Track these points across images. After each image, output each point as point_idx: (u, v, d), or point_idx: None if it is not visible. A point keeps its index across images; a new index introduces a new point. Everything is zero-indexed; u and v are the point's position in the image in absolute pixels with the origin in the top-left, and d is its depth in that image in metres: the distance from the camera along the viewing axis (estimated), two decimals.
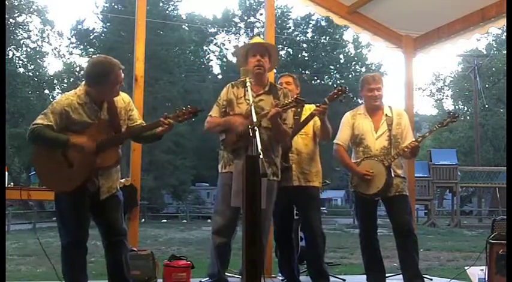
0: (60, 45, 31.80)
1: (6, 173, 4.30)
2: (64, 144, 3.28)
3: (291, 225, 4.69)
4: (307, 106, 4.45)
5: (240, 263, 3.96)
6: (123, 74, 3.40)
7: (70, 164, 3.32)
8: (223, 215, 3.84)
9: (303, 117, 4.39)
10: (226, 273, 5.21)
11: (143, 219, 21.81)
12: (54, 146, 3.32)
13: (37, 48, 29.35)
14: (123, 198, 3.63)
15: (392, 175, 4.26)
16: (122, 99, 3.53)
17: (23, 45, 28.94)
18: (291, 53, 34.69)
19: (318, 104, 4.16)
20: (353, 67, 35.57)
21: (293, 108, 3.90)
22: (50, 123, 3.31)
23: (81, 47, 31.09)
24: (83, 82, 3.46)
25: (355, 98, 20.44)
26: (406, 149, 4.26)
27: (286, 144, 4.23)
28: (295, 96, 3.92)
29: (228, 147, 3.87)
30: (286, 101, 3.79)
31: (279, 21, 31.68)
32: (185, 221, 25.33)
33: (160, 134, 3.47)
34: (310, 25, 35.26)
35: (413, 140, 4.32)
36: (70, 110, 3.34)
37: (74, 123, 3.35)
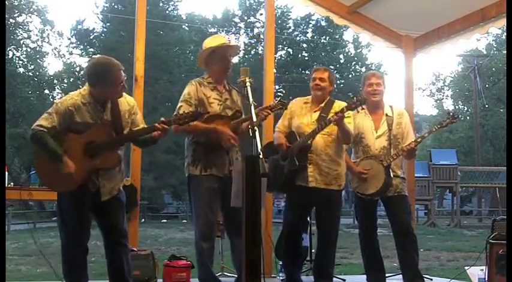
0: (60, 45, 31.75)
1: (6, 173, 4.31)
2: (57, 158, 3.29)
3: (302, 225, 4.61)
4: (337, 103, 4.29)
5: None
6: (124, 75, 3.40)
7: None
8: (208, 220, 3.83)
9: (330, 115, 4.22)
10: (225, 273, 5.24)
11: (143, 219, 21.79)
12: (49, 156, 3.33)
13: (37, 48, 29.31)
14: (125, 199, 3.63)
15: (392, 175, 4.25)
16: (127, 102, 3.54)
17: (23, 45, 28.90)
18: (291, 53, 34.62)
19: (336, 112, 4.02)
20: (353, 67, 35.50)
21: (281, 110, 4.00)
22: (53, 125, 3.33)
23: (81, 47, 31.04)
24: (87, 82, 3.47)
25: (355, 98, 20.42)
26: (403, 151, 4.26)
27: (305, 141, 4.13)
28: (279, 99, 3.98)
29: (208, 149, 3.82)
30: (272, 103, 3.93)
31: (279, 21, 31.63)
32: (185, 221, 25.27)
33: (155, 139, 3.47)
34: (310, 25, 35.21)
35: (413, 140, 4.32)
36: (74, 109, 3.36)
37: (76, 123, 3.36)
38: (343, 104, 4.22)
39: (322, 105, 4.28)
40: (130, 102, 3.56)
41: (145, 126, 3.57)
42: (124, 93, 3.52)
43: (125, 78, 3.42)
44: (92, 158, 3.34)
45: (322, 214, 4.30)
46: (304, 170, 4.15)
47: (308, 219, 4.94)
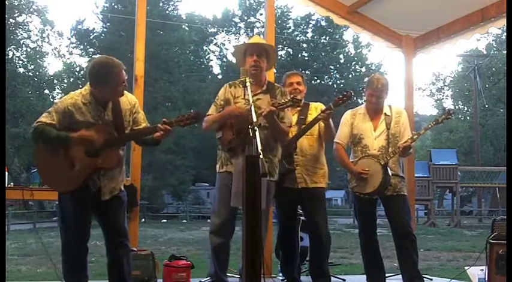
0: (60, 45, 32.08)
1: (6, 173, 4.31)
2: (66, 141, 3.30)
3: (294, 226, 4.67)
4: (313, 105, 4.44)
5: (239, 263, 3.98)
6: (126, 75, 3.39)
7: (72, 164, 3.33)
8: (221, 215, 3.84)
9: (309, 117, 4.36)
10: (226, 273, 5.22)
11: (143, 219, 21.81)
12: (56, 143, 3.33)
13: (37, 48, 29.36)
14: (126, 198, 3.64)
15: (390, 174, 4.24)
16: (128, 101, 3.53)
17: (23, 45, 28.94)
18: (291, 53, 34.68)
19: (322, 109, 4.11)
20: (353, 67, 35.56)
21: (292, 107, 3.85)
22: (52, 122, 3.33)
23: (81, 47, 31.10)
24: (89, 82, 3.46)
25: (355, 98, 20.46)
26: (399, 149, 4.26)
27: (292, 144, 4.21)
28: (291, 95, 3.86)
29: (224, 146, 3.85)
30: (283, 100, 3.76)
31: (279, 21, 31.68)
32: (185, 221, 25.32)
33: (157, 139, 3.47)
34: (310, 25, 35.26)
35: (409, 137, 4.32)
36: (74, 109, 3.35)
37: (76, 123, 3.35)
38: (319, 105, 4.37)
39: (299, 108, 4.33)
40: (131, 101, 3.55)
41: (148, 125, 3.56)
42: (126, 92, 3.52)
43: (126, 77, 3.42)
44: (93, 157, 3.34)
45: (312, 212, 4.38)
46: (292, 172, 4.25)
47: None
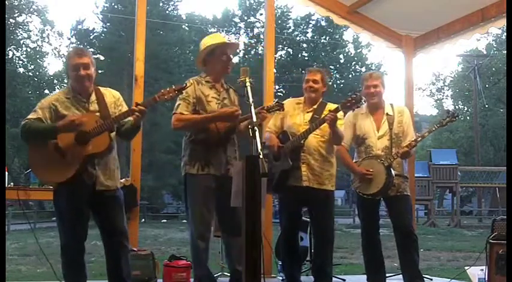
0: (60, 45, 32.04)
1: (6, 173, 4.30)
2: (53, 131, 3.35)
3: (297, 225, 4.61)
4: (329, 105, 4.30)
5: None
6: (78, 59, 3.44)
7: (62, 154, 3.36)
8: (205, 219, 3.80)
9: (322, 116, 4.24)
10: (224, 273, 5.24)
11: (143, 219, 21.78)
12: (45, 136, 3.39)
13: (37, 48, 29.40)
14: (123, 198, 3.63)
15: (393, 175, 4.24)
16: (112, 94, 3.64)
17: (23, 45, 28.97)
18: (291, 53, 34.63)
19: (330, 110, 4.05)
20: (353, 67, 35.51)
21: (278, 111, 4.00)
22: (39, 117, 3.41)
23: (81, 47, 31.07)
24: None
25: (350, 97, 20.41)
26: (400, 152, 4.25)
27: (298, 141, 4.14)
28: (276, 100, 4.00)
29: (205, 148, 3.80)
30: (270, 104, 3.96)
31: (279, 21, 31.63)
32: (185, 221, 25.15)
33: (136, 123, 3.48)
34: (310, 25, 35.22)
35: (413, 139, 4.32)
36: (58, 103, 3.45)
37: (62, 117, 3.41)
38: (334, 106, 4.24)
39: (315, 106, 4.30)
40: (115, 95, 3.64)
41: (131, 119, 3.51)
42: (109, 88, 3.66)
43: (88, 67, 3.44)
44: (84, 145, 3.37)
45: (317, 214, 4.32)
46: (297, 169, 4.15)
47: (308, 219, 4.93)
